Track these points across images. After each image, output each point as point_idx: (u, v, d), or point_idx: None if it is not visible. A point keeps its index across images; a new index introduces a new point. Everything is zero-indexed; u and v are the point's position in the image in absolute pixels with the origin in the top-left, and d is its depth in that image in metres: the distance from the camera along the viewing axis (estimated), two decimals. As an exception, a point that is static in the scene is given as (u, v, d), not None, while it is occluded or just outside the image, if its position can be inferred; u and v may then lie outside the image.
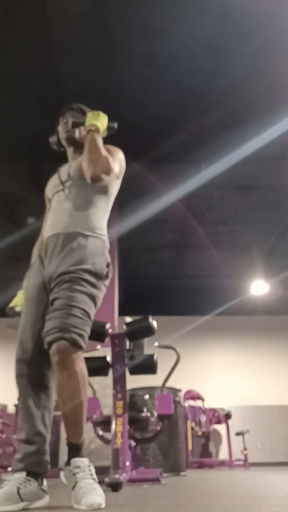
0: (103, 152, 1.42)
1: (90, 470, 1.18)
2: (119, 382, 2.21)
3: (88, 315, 1.24)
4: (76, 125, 1.57)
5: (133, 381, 2.91)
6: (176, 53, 3.14)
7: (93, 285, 1.28)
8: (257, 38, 3.03)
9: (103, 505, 1.09)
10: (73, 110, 1.62)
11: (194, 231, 5.50)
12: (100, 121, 1.49)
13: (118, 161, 1.51)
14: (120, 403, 2.15)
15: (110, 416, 2.25)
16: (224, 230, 5.56)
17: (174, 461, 3.59)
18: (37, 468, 1.23)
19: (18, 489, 1.13)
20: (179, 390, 4.28)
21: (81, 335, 1.20)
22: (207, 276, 6.75)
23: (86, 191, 1.47)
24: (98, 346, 2.81)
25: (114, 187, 1.55)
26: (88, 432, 3.16)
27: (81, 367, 1.20)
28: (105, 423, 2.53)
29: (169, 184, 4.39)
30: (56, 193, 1.52)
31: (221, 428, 6.61)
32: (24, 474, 1.19)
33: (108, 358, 2.35)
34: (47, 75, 3.29)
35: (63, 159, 1.76)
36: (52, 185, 1.58)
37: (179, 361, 3.09)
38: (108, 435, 2.63)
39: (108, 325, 2.43)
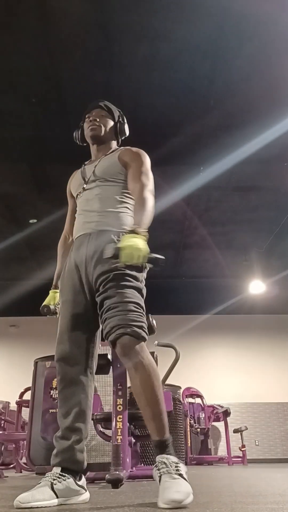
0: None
1: (176, 467, 1.10)
2: (119, 379, 2.25)
3: (142, 307, 1.27)
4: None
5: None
6: (176, 55, 3.17)
7: (136, 278, 1.30)
8: (256, 40, 3.06)
9: (186, 502, 0.99)
10: (100, 108, 1.59)
11: (193, 231, 5.54)
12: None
13: (150, 175, 1.46)
14: (120, 401, 2.19)
15: (110, 413, 2.30)
16: (223, 230, 5.60)
17: (173, 457, 3.62)
18: (71, 465, 1.21)
19: (52, 484, 1.13)
20: (179, 388, 4.33)
21: (140, 327, 1.22)
22: (206, 276, 6.79)
23: (113, 190, 1.46)
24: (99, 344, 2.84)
25: None
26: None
27: (148, 358, 1.20)
28: (105, 420, 2.57)
29: (168, 185, 4.42)
30: (82, 192, 1.50)
31: (219, 425, 6.67)
32: (59, 469, 1.18)
33: (109, 356, 2.39)
34: (48, 76, 3.32)
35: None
36: (76, 183, 1.55)
37: (179, 359, 3.14)
38: (108, 432, 2.67)
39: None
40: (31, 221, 5.09)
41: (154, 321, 2.59)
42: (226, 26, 2.96)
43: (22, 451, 4.42)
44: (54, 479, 1.14)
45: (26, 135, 3.88)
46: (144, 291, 1.33)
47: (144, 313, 1.27)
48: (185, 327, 7.13)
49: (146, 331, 1.24)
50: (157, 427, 1.19)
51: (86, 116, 1.60)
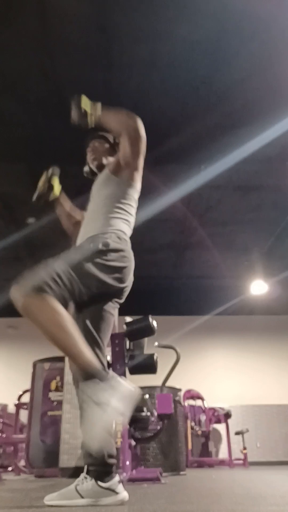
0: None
1: (93, 394, 1.14)
2: (119, 382, 2.22)
3: (50, 268, 1.27)
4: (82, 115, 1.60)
5: (133, 381, 2.92)
6: (176, 54, 3.15)
7: (73, 253, 1.36)
8: (256, 39, 3.05)
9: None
10: (96, 138, 1.74)
11: (194, 231, 5.51)
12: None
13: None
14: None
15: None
16: (224, 230, 5.57)
17: (174, 460, 3.60)
18: (89, 459, 1.28)
19: (76, 486, 1.25)
20: (179, 390, 4.29)
21: (33, 280, 1.23)
22: (206, 276, 6.76)
23: (98, 195, 1.57)
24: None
25: (128, 177, 1.57)
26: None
27: (29, 304, 1.20)
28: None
29: (169, 185, 4.40)
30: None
31: (220, 427, 6.63)
32: (84, 471, 1.28)
33: (108, 358, 2.36)
34: (47, 76, 3.30)
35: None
36: None
37: (179, 360, 3.11)
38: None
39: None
40: (29, 221, 5.08)
41: (154, 322, 2.56)
42: (226, 26, 2.95)
43: (20, 454, 4.38)
44: (78, 482, 1.26)
45: (25, 134, 3.87)
46: (81, 266, 1.31)
47: (57, 271, 1.25)
48: (186, 328, 7.10)
49: (36, 283, 1.21)
50: (74, 362, 1.23)
51: (87, 150, 1.76)
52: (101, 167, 1.69)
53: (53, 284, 1.23)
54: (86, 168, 1.78)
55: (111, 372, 1.22)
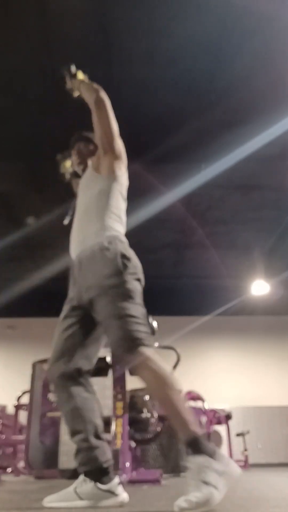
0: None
1: (200, 470, 1.07)
2: (119, 382, 2.21)
3: (130, 316, 1.27)
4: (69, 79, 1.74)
5: (133, 382, 2.88)
6: (176, 52, 3.14)
7: (116, 286, 1.31)
8: (257, 37, 3.03)
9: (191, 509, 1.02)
10: (80, 140, 1.72)
11: (194, 231, 5.49)
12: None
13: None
14: (120, 404, 2.15)
15: (110, 417, 2.25)
16: (225, 230, 5.55)
17: (174, 462, 3.57)
18: (86, 466, 1.26)
19: (75, 488, 1.24)
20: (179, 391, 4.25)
21: (132, 339, 1.23)
22: (207, 276, 6.73)
23: (85, 196, 1.53)
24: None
25: (112, 176, 1.52)
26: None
27: (146, 366, 1.20)
28: (104, 424, 2.52)
29: (169, 184, 4.38)
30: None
31: (221, 429, 6.60)
32: (82, 475, 1.26)
33: (108, 359, 2.34)
34: (46, 74, 3.28)
35: None
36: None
37: (179, 361, 3.09)
38: (107, 436, 2.62)
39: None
40: (28, 220, 5.06)
41: (154, 323, 2.54)
42: (228, 22, 2.93)
43: (19, 455, 4.35)
44: (77, 484, 1.25)
45: (24, 133, 3.85)
46: (134, 291, 1.33)
47: (136, 319, 1.26)
48: (186, 329, 7.07)
49: (141, 336, 1.23)
50: (177, 426, 1.18)
51: (72, 152, 1.75)
52: (85, 169, 1.67)
53: (138, 332, 1.24)
54: (58, 156, 1.77)
55: (219, 450, 1.14)
